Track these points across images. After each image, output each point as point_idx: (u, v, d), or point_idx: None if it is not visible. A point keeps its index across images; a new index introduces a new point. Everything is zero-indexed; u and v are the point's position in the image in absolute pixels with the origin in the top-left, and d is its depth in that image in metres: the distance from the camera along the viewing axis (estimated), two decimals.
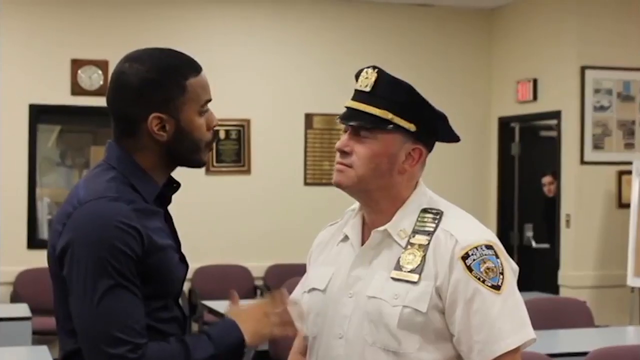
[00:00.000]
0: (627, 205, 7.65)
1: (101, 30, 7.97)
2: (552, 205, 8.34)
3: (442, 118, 2.18)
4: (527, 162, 8.87)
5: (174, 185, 2.15)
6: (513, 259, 2.08)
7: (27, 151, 7.82)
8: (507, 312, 2.03)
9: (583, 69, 7.93)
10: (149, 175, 2.05)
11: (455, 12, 8.95)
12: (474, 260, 2.04)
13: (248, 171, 8.38)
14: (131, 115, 2.03)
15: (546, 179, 8.58)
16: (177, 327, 2.08)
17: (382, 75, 2.14)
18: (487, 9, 9.00)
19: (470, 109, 8.97)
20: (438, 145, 2.27)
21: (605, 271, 7.92)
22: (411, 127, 2.12)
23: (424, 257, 2.06)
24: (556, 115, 8.20)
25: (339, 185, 2.15)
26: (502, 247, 2.12)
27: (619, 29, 7.96)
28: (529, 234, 8.81)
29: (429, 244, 2.08)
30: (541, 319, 5.38)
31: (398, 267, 2.08)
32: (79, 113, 8.01)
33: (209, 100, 2.09)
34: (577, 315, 5.85)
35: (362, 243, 2.19)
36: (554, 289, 7.95)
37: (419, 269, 2.06)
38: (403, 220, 2.14)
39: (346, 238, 2.23)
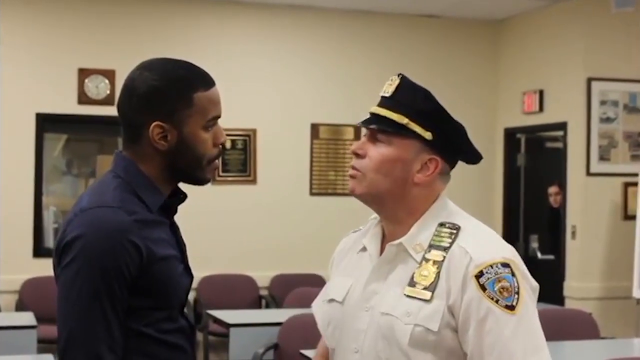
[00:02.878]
0: (633, 217, 7.64)
1: (108, 40, 7.99)
2: (558, 216, 8.34)
3: (460, 129, 2.14)
4: (533, 173, 8.87)
5: (181, 196, 2.15)
6: None
7: (34, 160, 7.83)
8: (521, 334, 1.97)
9: (589, 81, 7.93)
10: (154, 185, 2.05)
11: (462, 23, 8.96)
12: (488, 279, 1.97)
13: (254, 181, 8.39)
14: (134, 121, 2.03)
15: (552, 189, 8.57)
16: (184, 337, 2.07)
17: (403, 81, 2.13)
18: (493, 21, 9.01)
19: (477, 120, 8.96)
20: None
21: (610, 283, 7.91)
22: (427, 135, 2.08)
23: (438, 274, 2.01)
24: (562, 126, 8.20)
25: (352, 192, 2.13)
26: (522, 264, 2.06)
27: (625, 41, 7.97)
28: (535, 245, 8.80)
29: (444, 260, 2.02)
30: (546, 331, 5.35)
31: (412, 283, 2.04)
32: (86, 122, 8.03)
33: (218, 117, 2.08)
34: (583, 327, 5.83)
35: (381, 254, 2.15)
36: (560, 300, 7.94)
37: (432, 287, 2.00)
38: (420, 234, 2.08)
39: (365, 248, 2.20)
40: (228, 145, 8.25)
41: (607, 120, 8.00)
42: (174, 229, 2.12)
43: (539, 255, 8.70)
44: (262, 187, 8.38)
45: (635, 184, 7.82)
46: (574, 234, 7.98)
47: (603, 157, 7.99)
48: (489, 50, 9.07)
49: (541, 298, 6.82)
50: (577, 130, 8.00)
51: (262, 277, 8.21)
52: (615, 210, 7.99)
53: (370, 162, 2.09)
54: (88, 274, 1.89)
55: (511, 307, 1.97)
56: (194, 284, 8.05)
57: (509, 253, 2.05)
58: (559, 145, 8.44)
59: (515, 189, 8.92)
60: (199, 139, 2.04)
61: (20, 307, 7.44)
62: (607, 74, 7.97)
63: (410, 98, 2.11)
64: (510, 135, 8.94)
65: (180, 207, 2.16)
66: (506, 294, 1.97)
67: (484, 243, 2.05)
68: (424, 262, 2.05)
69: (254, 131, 8.36)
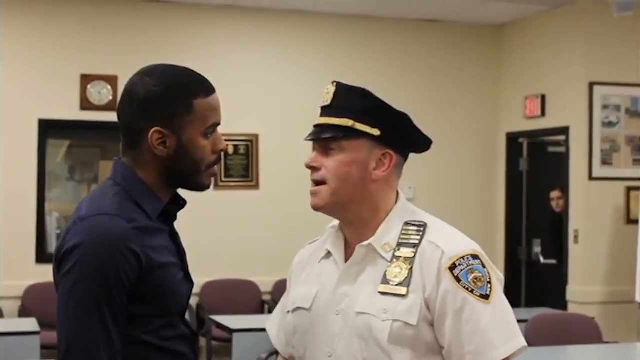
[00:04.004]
0: (636, 221, 7.63)
1: (111, 46, 8.00)
2: (560, 220, 8.33)
3: (404, 118, 2.15)
4: (535, 178, 8.87)
5: (180, 203, 2.14)
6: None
7: (36, 166, 7.84)
8: (497, 321, 2.02)
9: (591, 85, 7.93)
10: (153, 192, 2.04)
11: (464, 28, 8.97)
12: (461, 270, 2.03)
13: (256, 186, 8.39)
14: (134, 126, 2.03)
15: (554, 194, 8.56)
16: (186, 344, 2.06)
17: (339, 87, 2.15)
18: (495, 25, 9.02)
19: (479, 125, 8.98)
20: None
21: (613, 287, 7.90)
22: (375, 131, 2.11)
23: (410, 269, 2.05)
24: (564, 131, 8.20)
25: (316, 207, 2.16)
26: (487, 257, 2.12)
27: (627, 45, 7.97)
28: (537, 249, 8.79)
29: (414, 256, 2.06)
30: (549, 335, 5.37)
31: (385, 280, 2.07)
32: (88, 128, 8.03)
33: (218, 124, 2.08)
34: (586, 331, 5.83)
35: (346, 260, 2.17)
36: (562, 304, 7.93)
37: (406, 282, 2.04)
38: (387, 234, 2.12)
39: (328, 255, 2.21)
40: (230, 150, 8.26)
41: (609, 124, 8.00)
42: (174, 236, 2.11)
43: (542, 259, 8.69)
44: (265, 192, 8.38)
45: (638, 188, 7.81)
46: (576, 238, 7.98)
47: (605, 162, 7.99)
48: (490, 55, 9.07)
49: (544, 302, 6.85)
50: (579, 135, 8.00)
51: (265, 282, 8.21)
52: (617, 214, 7.99)
53: (327, 172, 2.13)
54: (87, 282, 1.88)
55: (486, 297, 2.02)
56: (197, 289, 8.10)
57: (476, 246, 2.11)
58: (561, 149, 8.44)
59: (518, 193, 8.91)
60: (197, 146, 2.03)
61: (23, 313, 7.45)
62: (609, 78, 7.98)
63: (350, 100, 2.13)
64: (513, 139, 8.94)
65: (183, 213, 2.16)
66: (480, 283, 2.03)
67: (452, 237, 2.11)
68: (394, 260, 2.08)
69: (256, 136, 8.37)
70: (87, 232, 1.92)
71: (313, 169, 2.16)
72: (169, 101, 2.01)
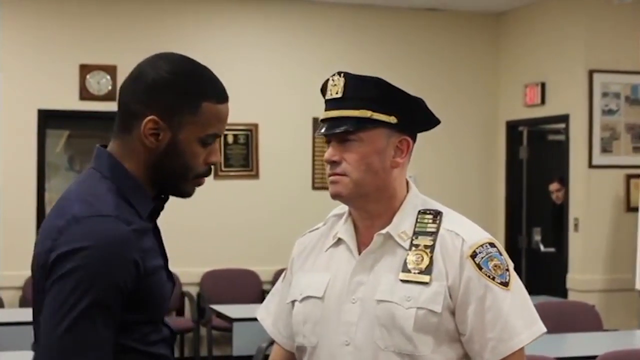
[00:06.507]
0: (636, 209, 7.64)
1: (110, 36, 7.99)
2: (560, 209, 8.33)
3: (419, 103, 2.15)
4: (535, 166, 8.86)
5: (162, 197, 1.98)
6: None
7: (36, 156, 7.84)
8: (518, 308, 2.06)
9: (591, 73, 7.92)
10: (143, 188, 1.90)
11: (463, 16, 8.95)
12: (482, 258, 2.06)
13: (256, 175, 8.39)
14: (132, 108, 1.89)
15: (553, 186, 8.51)
16: (166, 346, 1.96)
17: (349, 78, 2.13)
18: (495, 14, 9.00)
19: (478, 113, 8.97)
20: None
21: (613, 275, 7.91)
22: (392, 119, 2.10)
23: (431, 257, 2.06)
24: (564, 119, 8.19)
25: (337, 196, 2.12)
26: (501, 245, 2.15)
27: (627, 33, 7.96)
28: (537, 237, 8.80)
29: (434, 244, 2.08)
30: (549, 323, 5.36)
31: (406, 269, 2.07)
32: (88, 118, 8.03)
33: (219, 135, 1.93)
34: (586, 319, 5.84)
35: (358, 248, 2.16)
36: (563, 292, 7.94)
37: (428, 270, 2.05)
38: (402, 223, 2.12)
39: (338, 243, 2.20)
40: (230, 140, 8.26)
41: (609, 112, 8.00)
42: (156, 232, 1.97)
43: (542, 248, 8.70)
44: (265, 182, 8.38)
45: (638, 176, 7.82)
46: (576, 226, 7.98)
47: (605, 149, 7.98)
48: (490, 43, 9.06)
49: (544, 290, 6.85)
50: (579, 123, 8.00)
51: (265, 271, 8.22)
52: (617, 202, 7.99)
53: (349, 165, 2.10)
54: (87, 288, 1.75)
55: (505, 284, 2.06)
56: (197, 279, 8.12)
57: (490, 235, 2.14)
58: (561, 137, 8.44)
59: (518, 181, 8.91)
60: (191, 150, 1.89)
61: (23, 303, 7.46)
62: (609, 66, 7.96)
63: (364, 91, 2.11)
64: (512, 128, 8.93)
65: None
66: (499, 271, 2.07)
67: (468, 226, 2.14)
68: (413, 248, 2.09)
69: (256, 126, 8.37)
70: (88, 236, 1.77)
71: (333, 163, 2.12)
72: (176, 93, 1.87)
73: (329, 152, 2.13)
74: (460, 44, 8.98)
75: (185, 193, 1.96)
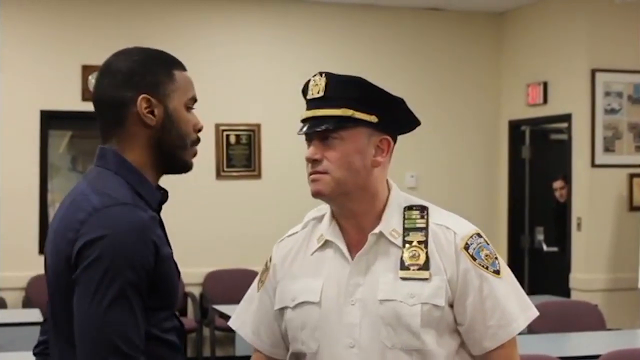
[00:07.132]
0: (638, 208, 7.63)
1: (112, 36, 7.98)
2: (563, 208, 8.33)
3: (400, 103, 2.16)
4: (538, 165, 8.86)
5: (162, 191, 2.08)
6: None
7: (39, 157, 7.85)
8: (512, 294, 2.13)
9: (593, 72, 7.92)
10: (149, 181, 2.01)
11: (466, 16, 8.95)
12: (474, 249, 2.11)
13: (259, 176, 8.39)
14: (119, 98, 2.00)
15: (557, 184, 8.53)
16: (177, 336, 2.03)
17: (331, 77, 2.15)
18: (497, 13, 9.00)
19: (481, 112, 8.97)
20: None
21: (616, 274, 7.90)
22: (373, 118, 2.11)
23: (426, 253, 2.09)
24: (567, 118, 8.19)
25: (318, 194, 2.14)
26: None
27: (629, 32, 7.95)
28: (540, 237, 8.80)
29: (427, 239, 2.11)
30: (552, 322, 5.37)
31: (404, 266, 2.09)
32: (90, 119, 7.88)
33: (196, 99, 2.09)
34: (589, 318, 5.84)
35: (348, 249, 2.16)
36: (565, 292, 7.94)
37: (426, 266, 2.08)
38: (391, 221, 2.14)
39: (325, 246, 2.19)
40: (233, 140, 8.26)
41: (612, 111, 7.99)
42: (161, 224, 2.05)
43: (545, 247, 8.69)
44: (267, 182, 8.38)
45: None
46: (579, 225, 7.98)
47: (608, 149, 7.98)
48: (492, 42, 9.06)
49: (547, 290, 6.86)
50: (582, 122, 7.99)
51: None
52: (620, 201, 7.98)
53: (330, 163, 2.11)
54: (117, 273, 1.83)
55: (497, 272, 2.12)
56: (200, 279, 8.11)
57: (475, 226, 2.18)
58: (564, 137, 8.43)
59: (520, 181, 8.90)
60: (183, 117, 2.03)
61: (26, 304, 7.46)
62: (611, 65, 7.96)
63: (345, 90, 2.13)
64: (515, 127, 8.93)
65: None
66: (490, 260, 2.13)
67: (455, 218, 2.18)
68: (406, 245, 2.11)
69: (258, 126, 8.37)
70: (111, 223, 1.86)
71: (314, 161, 2.14)
72: (151, 69, 2.02)
73: (310, 151, 2.14)
74: (463, 43, 8.97)
75: (188, 164, 2.08)
